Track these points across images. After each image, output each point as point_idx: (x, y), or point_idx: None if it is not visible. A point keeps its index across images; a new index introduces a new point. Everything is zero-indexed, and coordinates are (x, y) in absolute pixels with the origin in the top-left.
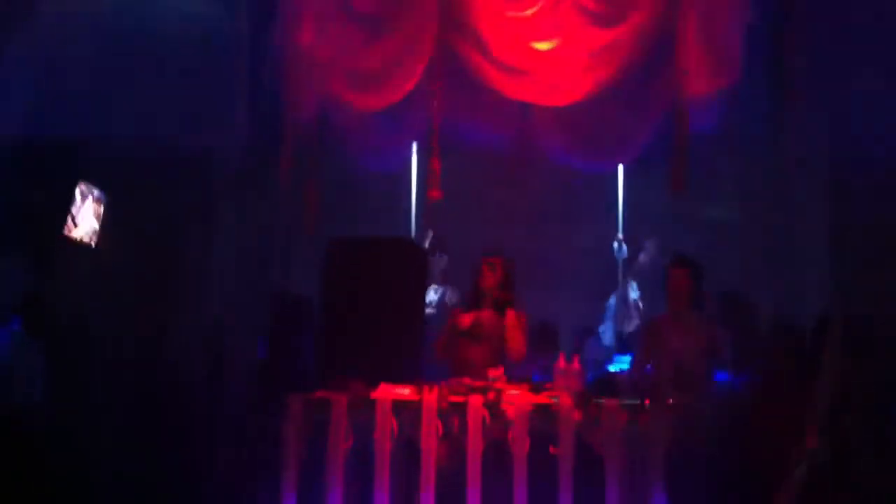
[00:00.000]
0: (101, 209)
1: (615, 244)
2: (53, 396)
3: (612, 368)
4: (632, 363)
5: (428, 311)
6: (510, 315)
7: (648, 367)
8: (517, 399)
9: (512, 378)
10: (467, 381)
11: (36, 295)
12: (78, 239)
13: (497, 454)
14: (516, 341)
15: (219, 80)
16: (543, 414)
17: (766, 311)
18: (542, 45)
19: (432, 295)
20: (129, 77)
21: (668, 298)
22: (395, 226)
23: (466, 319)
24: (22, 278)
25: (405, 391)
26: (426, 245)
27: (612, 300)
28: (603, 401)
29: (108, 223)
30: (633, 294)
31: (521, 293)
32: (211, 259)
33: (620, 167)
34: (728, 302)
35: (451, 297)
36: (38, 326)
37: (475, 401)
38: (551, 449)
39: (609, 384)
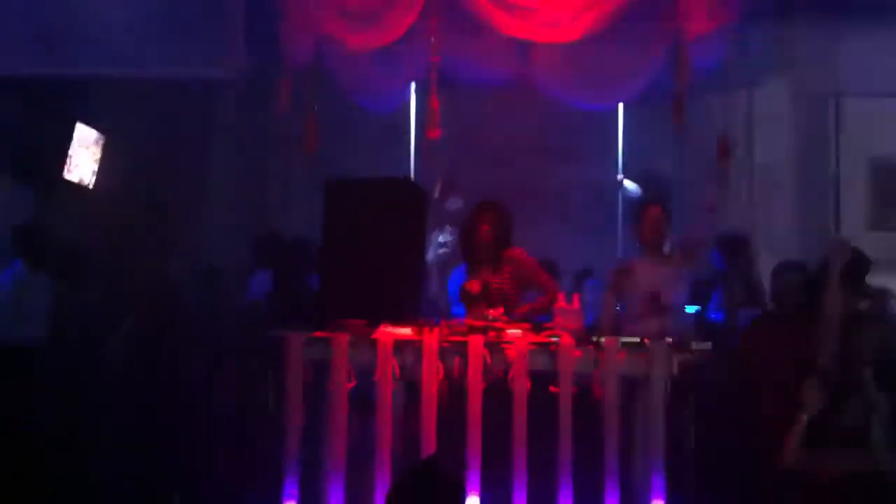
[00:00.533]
0: (99, 151)
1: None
2: (57, 332)
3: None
4: (603, 305)
5: (442, 251)
6: (519, 258)
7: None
8: (517, 339)
9: (512, 318)
10: (468, 321)
11: (36, 231)
12: (76, 181)
13: (498, 394)
14: (547, 285)
15: (217, 14)
16: (544, 353)
17: (772, 251)
18: None
19: (447, 236)
20: (127, 12)
21: (641, 236)
22: (395, 165)
23: (475, 286)
24: (23, 216)
25: (406, 331)
26: (437, 189)
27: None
28: (602, 340)
29: (106, 162)
30: None
31: (520, 233)
32: (209, 193)
33: (621, 106)
34: (730, 242)
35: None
36: (39, 263)
37: (475, 341)
38: (551, 388)
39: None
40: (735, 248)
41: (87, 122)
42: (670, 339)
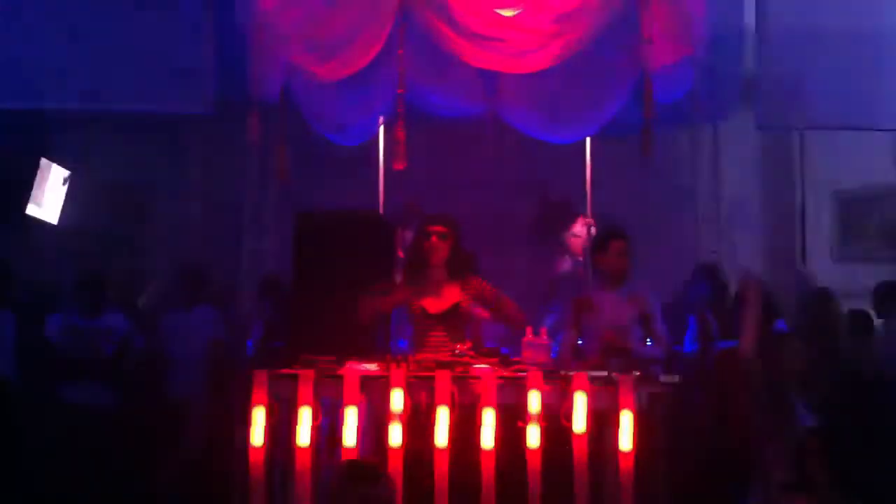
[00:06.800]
0: (65, 187)
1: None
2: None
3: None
4: (561, 339)
5: None
6: (478, 287)
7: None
8: (485, 373)
9: (479, 352)
10: (435, 356)
11: (1, 267)
12: (41, 217)
13: (466, 429)
14: (511, 308)
15: (186, 46)
16: (512, 387)
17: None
18: (507, 12)
19: None
20: (93, 42)
21: (603, 272)
22: (366, 196)
23: (433, 305)
24: None
25: (372, 366)
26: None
27: None
28: (570, 373)
29: (72, 198)
30: None
31: (486, 262)
32: (181, 227)
33: (588, 140)
34: (708, 272)
35: None
36: (4, 299)
37: (443, 376)
38: (519, 423)
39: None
40: (713, 278)
41: (53, 158)
42: (638, 373)
